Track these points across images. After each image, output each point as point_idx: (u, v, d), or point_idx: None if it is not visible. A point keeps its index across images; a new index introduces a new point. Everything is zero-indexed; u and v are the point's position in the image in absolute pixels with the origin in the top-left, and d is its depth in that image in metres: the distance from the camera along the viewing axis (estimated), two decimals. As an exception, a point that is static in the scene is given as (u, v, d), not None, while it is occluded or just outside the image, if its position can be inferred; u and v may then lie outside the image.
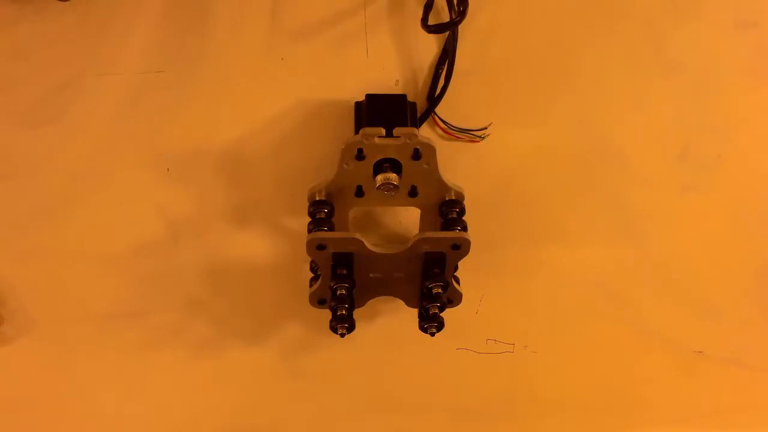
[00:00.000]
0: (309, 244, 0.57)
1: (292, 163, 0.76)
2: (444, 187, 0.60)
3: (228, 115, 0.75)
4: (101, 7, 0.71)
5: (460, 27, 0.68)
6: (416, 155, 0.57)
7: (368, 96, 0.62)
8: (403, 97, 0.64)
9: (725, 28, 0.77)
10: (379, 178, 0.56)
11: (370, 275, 0.61)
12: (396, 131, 0.56)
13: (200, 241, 0.78)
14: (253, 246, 0.78)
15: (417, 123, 0.64)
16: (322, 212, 0.58)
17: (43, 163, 0.74)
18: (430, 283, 0.60)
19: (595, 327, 0.84)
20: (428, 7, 0.65)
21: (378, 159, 0.57)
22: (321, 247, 0.57)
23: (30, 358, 0.78)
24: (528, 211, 0.81)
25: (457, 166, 0.79)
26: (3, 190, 0.74)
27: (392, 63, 0.75)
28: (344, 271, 0.59)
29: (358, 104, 0.63)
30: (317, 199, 0.58)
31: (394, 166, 0.57)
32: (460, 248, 0.60)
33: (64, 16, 0.70)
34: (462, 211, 0.61)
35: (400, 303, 0.68)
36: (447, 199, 0.61)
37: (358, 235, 0.58)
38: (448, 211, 0.60)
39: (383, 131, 0.56)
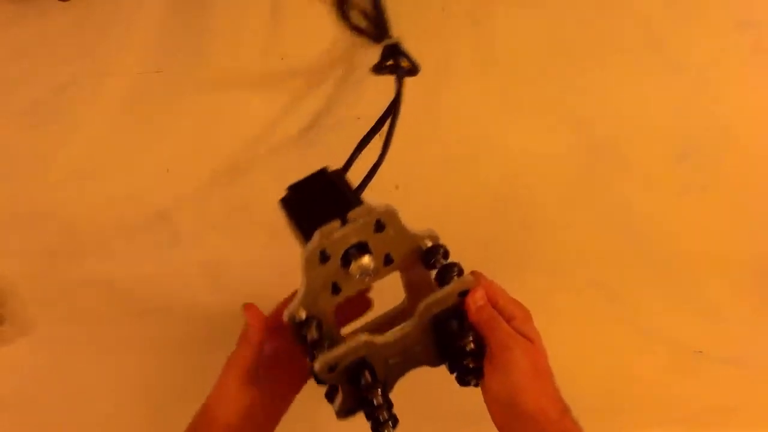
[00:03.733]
0: (319, 372, 0.49)
1: (292, 163, 0.76)
2: (416, 238, 0.53)
3: (228, 115, 0.75)
4: (101, 7, 0.71)
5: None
6: (379, 227, 0.51)
7: (291, 188, 0.55)
8: (323, 173, 0.57)
9: (725, 28, 0.77)
10: (354, 269, 0.50)
11: (389, 362, 0.54)
12: (351, 215, 0.49)
13: (200, 241, 0.78)
14: (252, 245, 0.78)
15: (352, 187, 0.58)
16: (312, 332, 0.50)
17: (43, 163, 0.74)
18: (460, 341, 0.53)
19: (595, 327, 0.84)
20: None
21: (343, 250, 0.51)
22: (332, 368, 0.50)
23: (30, 358, 0.78)
24: (528, 211, 0.81)
25: (458, 166, 0.79)
26: (3, 190, 0.74)
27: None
28: (369, 378, 0.51)
29: (285, 201, 0.55)
30: (299, 320, 0.50)
31: (361, 248, 0.51)
32: (468, 291, 0.54)
33: (64, 16, 0.70)
34: (446, 253, 0.54)
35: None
36: (425, 248, 0.54)
37: (364, 337, 0.50)
38: (435, 260, 0.53)
39: (338, 224, 0.49)
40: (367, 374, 0.50)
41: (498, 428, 0.52)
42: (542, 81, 0.78)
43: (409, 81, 0.76)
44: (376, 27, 0.72)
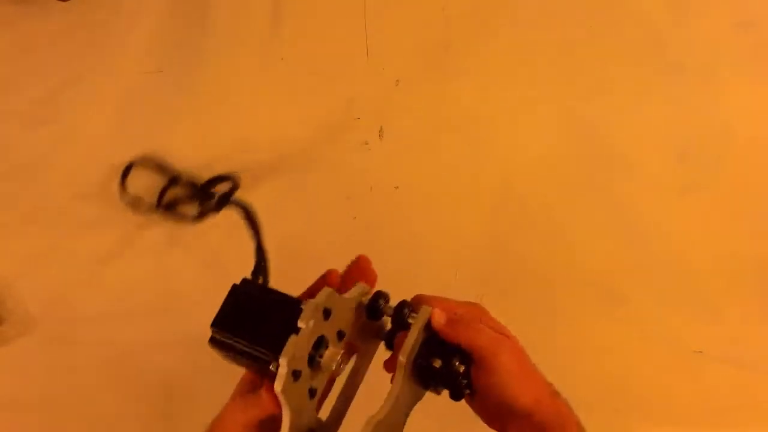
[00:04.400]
0: None
1: (291, 162, 0.76)
2: (353, 301, 0.50)
3: (228, 115, 0.75)
4: (101, 7, 0.71)
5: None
6: (326, 314, 0.48)
7: (216, 324, 0.50)
8: (236, 290, 0.51)
9: (725, 28, 0.77)
10: (326, 365, 0.48)
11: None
12: (300, 322, 0.46)
13: (199, 241, 0.78)
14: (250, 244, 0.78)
15: (269, 289, 0.52)
16: None
17: (43, 163, 0.74)
18: (449, 368, 0.50)
19: (595, 327, 0.84)
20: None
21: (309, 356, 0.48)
22: None
23: (30, 358, 0.78)
24: (528, 211, 0.81)
25: (458, 166, 0.79)
26: (3, 190, 0.74)
27: (392, 63, 0.76)
28: None
29: (215, 340, 0.50)
30: None
31: (319, 342, 0.48)
32: (430, 320, 0.50)
33: (64, 16, 0.70)
34: (387, 297, 0.51)
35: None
36: (366, 304, 0.51)
37: (373, 421, 0.47)
38: (382, 309, 0.50)
39: (294, 337, 0.46)
40: None
41: (492, 427, 0.52)
42: (542, 81, 0.78)
43: (408, 83, 0.76)
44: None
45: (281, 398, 0.45)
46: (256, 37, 0.74)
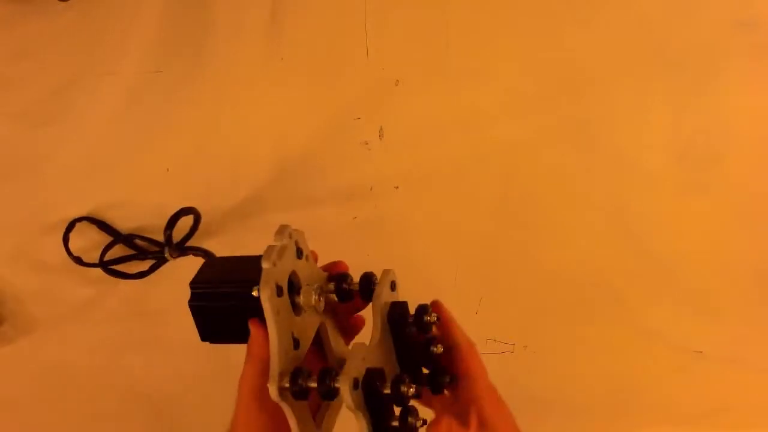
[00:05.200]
0: (344, 389, 0.44)
1: (291, 162, 0.76)
2: (322, 273, 0.51)
3: (228, 115, 0.75)
4: (101, 7, 0.71)
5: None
6: (299, 253, 0.48)
7: (193, 284, 0.50)
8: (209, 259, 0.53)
9: (725, 28, 0.77)
10: (309, 297, 0.48)
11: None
12: (275, 235, 0.46)
13: (199, 242, 0.78)
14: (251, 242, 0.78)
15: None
16: (305, 383, 0.45)
17: (43, 163, 0.74)
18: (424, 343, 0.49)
19: (595, 327, 0.84)
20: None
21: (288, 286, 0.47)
22: (356, 384, 0.45)
23: (30, 358, 0.78)
24: (528, 212, 0.81)
25: (459, 166, 0.79)
26: (3, 190, 0.74)
27: (392, 63, 0.76)
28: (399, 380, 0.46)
29: (195, 299, 0.50)
30: (286, 385, 0.45)
31: (295, 286, 0.48)
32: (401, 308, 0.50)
33: (64, 16, 0.70)
34: (352, 279, 0.51)
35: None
36: (336, 273, 0.51)
37: (359, 345, 0.47)
38: (345, 287, 0.50)
39: (276, 246, 0.46)
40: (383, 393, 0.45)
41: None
42: (542, 81, 0.78)
43: (408, 83, 0.76)
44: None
45: (267, 308, 0.45)
46: (255, 37, 0.74)
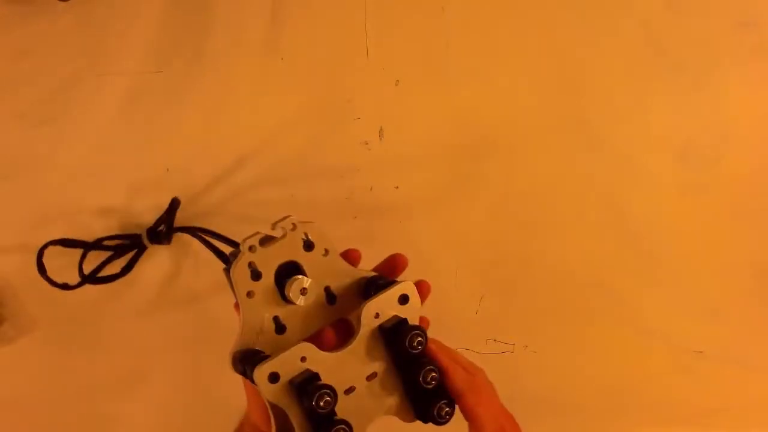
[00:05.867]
0: (259, 378, 0.44)
1: (291, 163, 0.76)
2: (354, 272, 0.50)
3: (228, 115, 0.75)
4: (101, 7, 0.71)
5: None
6: (308, 246, 0.48)
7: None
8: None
9: (725, 28, 0.77)
10: (293, 288, 0.47)
11: (344, 393, 0.48)
12: (272, 225, 0.47)
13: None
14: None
15: None
16: (257, 355, 0.46)
17: (43, 163, 0.74)
18: (417, 370, 0.48)
19: (595, 327, 0.84)
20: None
21: (276, 270, 0.48)
22: (274, 377, 0.44)
23: (30, 358, 0.78)
24: (528, 212, 0.81)
25: (460, 166, 0.79)
26: (3, 190, 0.74)
27: (392, 63, 0.76)
28: (325, 388, 0.45)
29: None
30: (241, 349, 0.46)
31: (295, 269, 0.48)
32: (409, 300, 0.49)
33: (64, 16, 0.70)
34: (388, 280, 0.50)
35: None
36: (368, 278, 0.50)
37: (304, 344, 0.46)
38: (375, 285, 0.49)
39: (260, 234, 0.47)
40: (318, 382, 0.45)
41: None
42: (542, 81, 0.78)
43: (408, 83, 0.76)
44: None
45: (234, 289, 0.47)
46: (255, 37, 0.74)
